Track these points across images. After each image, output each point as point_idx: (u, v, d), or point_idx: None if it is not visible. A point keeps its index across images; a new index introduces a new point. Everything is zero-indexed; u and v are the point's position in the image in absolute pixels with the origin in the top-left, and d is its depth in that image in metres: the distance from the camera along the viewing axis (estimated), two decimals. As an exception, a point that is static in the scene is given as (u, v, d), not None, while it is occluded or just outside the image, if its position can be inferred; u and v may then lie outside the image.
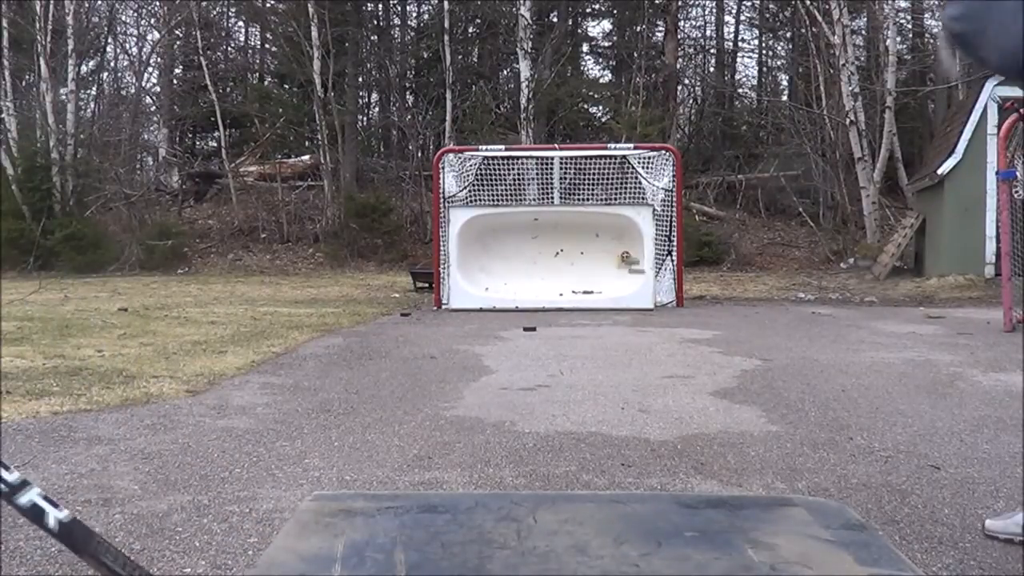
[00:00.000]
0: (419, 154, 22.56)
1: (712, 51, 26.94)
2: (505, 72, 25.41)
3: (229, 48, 28.35)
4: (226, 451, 3.69)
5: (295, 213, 20.32)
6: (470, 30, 25.67)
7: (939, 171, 13.81)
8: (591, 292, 10.52)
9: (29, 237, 17.59)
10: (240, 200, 21.21)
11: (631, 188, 10.96)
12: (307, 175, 21.77)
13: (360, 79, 25.04)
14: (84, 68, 22.71)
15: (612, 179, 11.09)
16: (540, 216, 10.94)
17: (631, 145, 12.54)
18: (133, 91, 24.86)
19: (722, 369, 5.82)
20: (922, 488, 3.16)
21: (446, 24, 20.85)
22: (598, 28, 28.15)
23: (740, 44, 27.02)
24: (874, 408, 4.55)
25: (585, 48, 27.40)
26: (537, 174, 11.21)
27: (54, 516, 0.66)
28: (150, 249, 18.30)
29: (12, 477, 0.65)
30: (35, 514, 0.64)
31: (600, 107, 25.48)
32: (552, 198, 11.09)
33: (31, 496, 0.65)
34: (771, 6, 25.79)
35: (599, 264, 10.85)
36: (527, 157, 11.76)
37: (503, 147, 12.64)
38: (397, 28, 27.41)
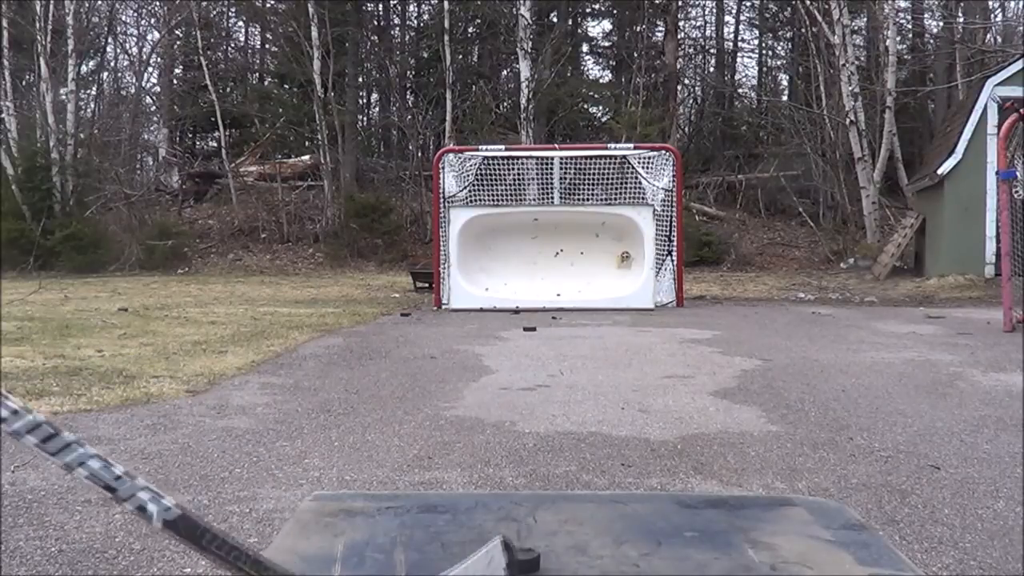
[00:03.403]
0: (419, 154, 22.58)
1: (712, 51, 26.97)
2: (505, 72, 25.43)
3: (229, 48, 28.40)
4: (226, 451, 3.69)
5: (295, 213, 20.33)
6: (470, 30, 25.68)
7: (939, 171, 13.80)
8: (591, 292, 10.51)
9: (29, 237, 17.60)
10: (240, 200, 21.22)
11: (631, 188, 10.96)
12: (307, 175, 21.77)
13: (360, 79, 25.06)
14: (84, 68, 22.75)
15: (612, 179, 11.08)
16: (540, 216, 10.94)
17: (631, 145, 12.54)
18: (133, 91, 24.90)
19: (722, 369, 5.81)
20: (922, 488, 3.15)
21: (446, 24, 20.86)
22: (598, 28, 28.24)
23: (740, 44, 27.09)
24: (874, 408, 4.55)
25: (585, 48, 27.47)
26: (537, 174, 11.21)
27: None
28: (150, 249, 18.31)
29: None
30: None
31: (600, 107, 25.51)
32: (552, 198, 11.08)
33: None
34: (771, 6, 25.82)
35: (599, 264, 10.85)
36: (527, 157, 11.77)
37: (503, 147, 12.64)
38: (397, 28, 27.45)
